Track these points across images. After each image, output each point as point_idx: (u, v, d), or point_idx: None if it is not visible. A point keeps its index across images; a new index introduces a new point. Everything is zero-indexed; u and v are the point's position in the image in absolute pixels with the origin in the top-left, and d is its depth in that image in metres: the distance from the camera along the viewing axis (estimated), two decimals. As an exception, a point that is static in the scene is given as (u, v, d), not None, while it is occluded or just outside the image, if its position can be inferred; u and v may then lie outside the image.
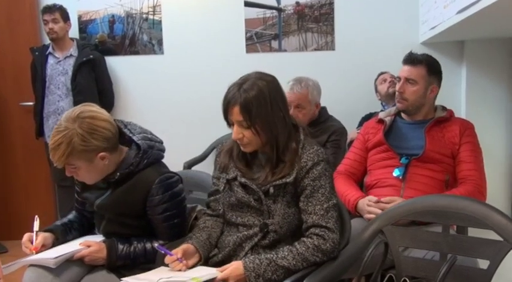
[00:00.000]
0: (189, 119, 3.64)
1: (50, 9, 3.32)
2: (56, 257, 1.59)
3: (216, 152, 1.76)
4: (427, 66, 2.15)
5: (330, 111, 2.88)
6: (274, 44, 3.56)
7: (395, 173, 2.09)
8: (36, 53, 3.41)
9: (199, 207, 1.90)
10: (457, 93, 3.35)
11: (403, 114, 2.27)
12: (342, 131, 2.76)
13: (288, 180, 1.53)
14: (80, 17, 3.67)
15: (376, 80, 3.18)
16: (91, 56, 3.39)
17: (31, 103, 3.56)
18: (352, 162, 2.30)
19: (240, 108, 1.48)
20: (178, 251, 1.54)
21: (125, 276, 1.57)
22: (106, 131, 1.62)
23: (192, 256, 1.58)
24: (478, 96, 3.27)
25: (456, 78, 3.35)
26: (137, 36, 3.66)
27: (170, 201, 1.71)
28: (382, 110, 2.74)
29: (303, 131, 1.61)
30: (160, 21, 3.64)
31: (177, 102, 3.65)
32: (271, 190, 1.54)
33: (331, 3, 3.48)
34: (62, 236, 1.79)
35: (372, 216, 1.97)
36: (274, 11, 3.53)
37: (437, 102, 2.26)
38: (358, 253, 1.59)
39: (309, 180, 1.53)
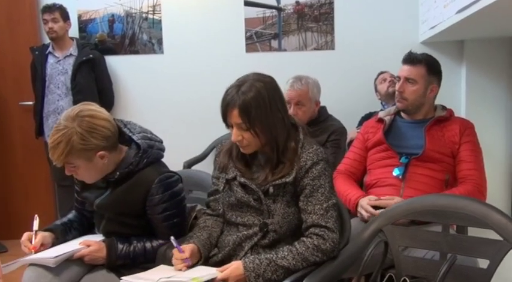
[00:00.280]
0: (189, 119, 3.64)
1: (49, 8, 3.32)
2: (56, 257, 1.59)
3: (216, 152, 1.76)
4: (426, 66, 2.15)
5: (330, 111, 2.88)
6: (274, 43, 3.56)
7: (395, 172, 2.09)
8: (36, 53, 3.41)
9: (199, 206, 1.90)
10: (456, 93, 3.35)
11: (402, 114, 2.27)
12: (342, 131, 2.76)
13: (287, 179, 1.52)
14: (79, 17, 3.67)
15: (375, 79, 3.18)
16: (91, 56, 3.39)
17: (31, 102, 3.56)
18: (352, 162, 2.30)
19: (239, 111, 1.48)
20: (186, 250, 1.53)
21: (124, 275, 1.57)
22: (105, 130, 1.62)
23: (194, 256, 1.57)
24: (477, 96, 3.27)
25: (456, 77, 3.35)
26: (137, 36, 3.66)
27: (170, 201, 1.71)
28: (382, 110, 2.74)
29: (302, 131, 1.61)
30: (160, 21, 3.64)
31: (177, 102, 3.65)
32: (271, 190, 1.54)
33: (331, 3, 3.48)
34: (61, 235, 1.79)
35: (368, 215, 1.97)
36: (274, 10, 3.53)
37: (437, 101, 2.26)
38: (358, 253, 1.59)
39: (309, 179, 1.53)
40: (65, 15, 3.37)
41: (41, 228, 1.77)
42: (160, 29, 3.64)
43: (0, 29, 3.66)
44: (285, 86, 2.64)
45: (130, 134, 1.75)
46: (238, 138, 1.53)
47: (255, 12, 3.54)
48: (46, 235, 1.73)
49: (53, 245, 1.74)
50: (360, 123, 3.00)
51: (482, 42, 3.23)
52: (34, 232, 1.71)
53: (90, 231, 1.91)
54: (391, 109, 2.34)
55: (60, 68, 3.37)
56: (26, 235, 1.71)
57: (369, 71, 3.27)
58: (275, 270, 1.45)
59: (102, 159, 1.63)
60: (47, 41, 3.48)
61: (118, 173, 1.68)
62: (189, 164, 3.36)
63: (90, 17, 3.67)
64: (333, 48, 3.51)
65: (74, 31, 3.59)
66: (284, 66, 3.36)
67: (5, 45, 3.68)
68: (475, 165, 2.06)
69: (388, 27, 3.44)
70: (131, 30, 3.66)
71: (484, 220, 1.44)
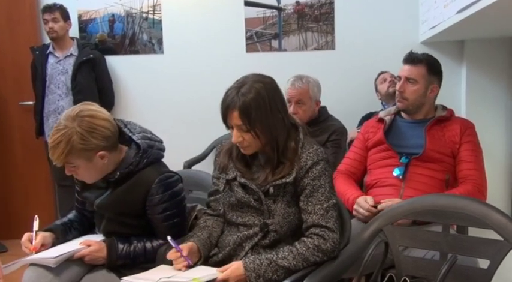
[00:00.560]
0: (189, 119, 3.64)
1: (50, 8, 3.32)
2: (56, 257, 1.59)
3: (216, 152, 1.76)
4: (427, 66, 2.15)
5: (330, 111, 2.88)
6: (274, 43, 3.56)
7: (395, 172, 2.09)
8: (37, 53, 3.42)
9: (199, 206, 1.90)
10: (457, 93, 3.35)
11: (403, 114, 2.27)
12: (342, 131, 2.76)
13: (287, 180, 1.52)
14: (80, 16, 3.67)
15: (376, 79, 3.18)
16: (91, 56, 3.40)
17: (31, 102, 3.56)
18: (352, 162, 2.30)
19: (239, 113, 1.48)
20: (184, 249, 1.53)
21: (124, 275, 1.57)
22: (105, 130, 1.61)
23: (194, 255, 1.57)
24: (478, 96, 3.27)
25: (456, 77, 3.35)
26: (137, 36, 3.66)
27: (170, 201, 1.71)
28: (382, 110, 2.73)
29: (303, 131, 1.61)
30: (160, 21, 3.64)
31: (177, 102, 3.65)
32: (271, 190, 1.54)
33: (331, 3, 3.48)
34: (61, 235, 1.79)
35: (360, 216, 1.98)
36: (274, 10, 3.53)
37: (438, 101, 2.26)
38: (358, 253, 1.59)
39: (309, 179, 1.53)
40: (65, 15, 3.37)
41: (41, 228, 1.77)
42: (161, 29, 3.64)
43: (0, 29, 3.66)
44: (285, 86, 2.65)
45: (130, 134, 1.75)
46: (239, 140, 1.53)
47: (255, 12, 3.54)
48: (46, 235, 1.73)
49: (53, 245, 1.74)
50: (360, 123, 3.00)
51: (483, 42, 3.23)
52: (34, 233, 1.71)
53: (90, 231, 1.91)
54: (392, 109, 2.34)
55: (60, 68, 3.37)
56: (26, 236, 1.71)
57: (369, 71, 3.27)
58: (275, 270, 1.45)
59: (102, 159, 1.63)
60: (47, 41, 3.48)
61: (118, 173, 1.68)
62: (189, 164, 3.37)
63: (91, 17, 3.67)
64: (333, 48, 3.51)
65: (74, 31, 3.59)
66: (284, 66, 3.36)
67: (5, 45, 3.68)
68: (475, 165, 2.06)
69: (388, 27, 3.44)
70: (131, 30, 3.66)
71: (484, 220, 1.43)
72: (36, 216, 1.76)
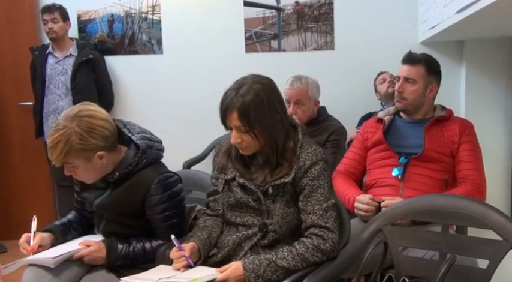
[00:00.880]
0: (188, 119, 3.64)
1: (49, 9, 3.32)
2: (55, 257, 1.59)
3: (215, 152, 1.76)
4: (426, 66, 2.15)
5: (330, 111, 2.88)
6: (274, 43, 3.56)
7: (395, 172, 2.09)
8: (36, 53, 3.41)
9: (198, 206, 1.90)
10: (456, 93, 3.35)
11: (402, 114, 2.27)
12: (342, 131, 2.76)
13: (286, 180, 1.53)
14: (79, 17, 3.67)
15: (375, 79, 3.18)
16: (90, 56, 3.40)
17: (30, 103, 3.56)
18: (351, 162, 2.30)
19: (238, 114, 1.48)
20: (186, 249, 1.53)
21: (124, 275, 1.57)
22: (104, 130, 1.61)
23: (194, 255, 1.57)
24: (477, 96, 3.27)
25: (456, 77, 3.35)
26: (136, 36, 3.66)
27: (169, 201, 1.71)
28: (381, 110, 2.74)
29: (301, 131, 1.61)
30: (159, 21, 3.64)
31: (177, 102, 3.65)
32: (270, 190, 1.54)
33: (331, 3, 3.48)
34: (61, 236, 1.79)
35: (362, 213, 1.97)
36: (273, 10, 3.53)
37: (437, 101, 2.26)
38: (358, 253, 1.59)
39: (308, 179, 1.53)
40: (64, 16, 3.37)
41: (40, 228, 1.77)
42: (160, 29, 3.64)
43: (0, 29, 3.66)
44: (284, 86, 2.65)
45: (129, 135, 1.75)
46: (238, 141, 1.53)
47: (254, 12, 3.54)
48: (44, 236, 1.73)
49: (53, 245, 1.74)
50: (360, 123, 3.00)
51: (482, 42, 3.23)
52: (32, 233, 1.71)
53: (89, 231, 1.91)
54: (391, 109, 2.34)
55: (60, 68, 3.37)
56: (24, 237, 1.71)
57: (369, 71, 3.27)
58: (275, 270, 1.45)
59: (101, 160, 1.63)
60: (47, 41, 3.48)
61: (117, 173, 1.68)
62: (188, 164, 3.36)
63: (90, 17, 3.67)
64: (333, 49, 3.51)
65: (73, 31, 3.59)
66: (284, 67, 3.37)
67: (5, 45, 3.68)
68: (474, 165, 2.06)
69: (388, 28, 3.44)
70: (131, 30, 3.66)
71: (483, 220, 1.44)
72: (34, 216, 1.76)
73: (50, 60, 3.40)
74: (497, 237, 1.41)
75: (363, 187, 2.25)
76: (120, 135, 1.73)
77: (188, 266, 1.53)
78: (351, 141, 2.63)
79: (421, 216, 1.59)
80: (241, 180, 1.58)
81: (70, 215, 1.93)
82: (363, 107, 3.22)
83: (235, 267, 1.46)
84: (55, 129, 1.57)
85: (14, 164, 3.78)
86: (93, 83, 3.42)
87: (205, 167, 3.17)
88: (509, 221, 1.39)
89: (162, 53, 3.65)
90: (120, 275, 1.63)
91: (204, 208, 1.78)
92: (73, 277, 1.67)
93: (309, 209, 1.52)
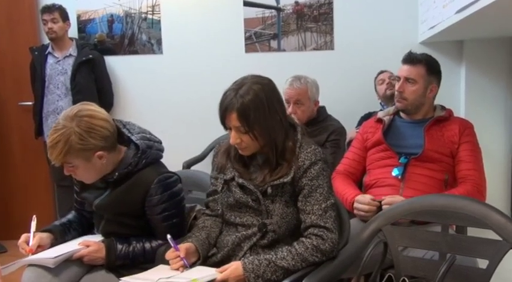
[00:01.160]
0: (188, 119, 3.64)
1: (49, 9, 3.32)
2: (55, 257, 1.59)
3: (214, 152, 1.76)
4: (426, 66, 2.15)
5: (329, 111, 2.88)
6: (273, 43, 3.56)
7: (394, 172, 2.09)
8: (36, 53, 3.42)
9: (198, 206, 1.90)
10: (456, 93, 3.35)
11: (402, 114, 2.27)
12: (341, 131, 2.76)
13: (285, 180, 1.52)
14: (79, 17, 3.67)
15: (375, 78, 3.17)
16: (90, 56, 3.40)
17: (30, 103, 3.56)
18: (351, 162, 2.30)
19: (238, 115, 1.48)
20: (181, 250, 1.53)
21: (123, 276, 1.57)
22: (104, 130, 1.61)
23: (192, 255, 1.57)
24: (477, 96, 3.27)
25: (455, 77, 3.35)
26: (136, 36, 3.66)
27: (169, 201, 1.71)
28: (381, 110, 2.74)
29: (301, 131, 1.61)
30: (159, 21, 3.64)
31: (176, 102, 3.65)
32: (269, 190, 1.54)
33: (330, 3, 3.48)
34: (60, 236, 1.79)
35: (362, 213, 1.97)
36: (273, 10, 3.53)
37: (437, 101, 2.26)
38: (357, 253, 1.59)
39: (307, 179, 1.53)
40: (64, 16, 3.37)
41: (40, 228, 1.77)
42: (160, 29, 3.64)
43: (0, 29, 3.66)
44: (284, 86, 2.65)
45: (129, 135, 1.75)
46: (237, 141, 1.53)
47: (254, 12, 3.54)
48: (44, 237, 1.73)
49: (52, 245, 1.74)
50: (360, 123, 3.00)
51: (482, 42, 3.23)
52: (32, 234, 1.71)
53: (89, 231, 1.91)
54: (390, 109, 2.34)
55: (59, 68, 3.37)
56: (23, 237, 1.71)
57: (369, 71, 3.27)
58: (274, 270, 1.45)
59: (100, 160, 1.63)
60: (47, 41, 3.48)
61: (117, 173, 1.68)
62: (188, 164, 3.36)
63: (90, 17, 3.67)
64: (332, 49, 3.51)
65: (73, 31, 3.59)
66: (283, 67, 3.37)
67: (5, 45, 3.68)
68: (474, 165, 2.06)
69: (388, 28, 3.44)
70: (130, 30, 3.66)
71: (483, 220, 1.43)
72: (34, 216, 1.76)
73: (50, 60, 3.40)
74: (497, 237, 1.41)
75: (362, 187, 2.25)
76: (119, 135, 1.73)
77: (185, 267, 1.53)
78: (350, 141, 2.63)
79: (421, 216, 1.59)
80: (241, 181, 1.58)
81: (70, 215, 1.93)
82: (362, 107, 3.22)
83: (234, 267, 1.46)
84: (55, 129, 1.57)
85: (13, 164, 3.78)
86: (92, 83, 3.42)
87: (205, 167, 3.17)
88: (509, 221, 1.39)
89: (161, 53, 3.66)
90: (120, 275, 1.63)
91: (204, 208, 1.78)
92: (73, 277, 1.67)
93: (308, 209, 1.52)
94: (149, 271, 1.57)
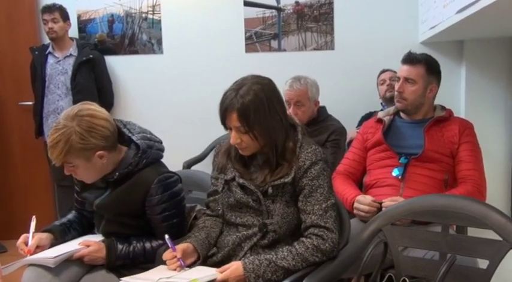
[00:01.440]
0: (188, 119, 3.64)
1: (49, 8, 3.32)
2: (55, 257, 1.59)
3: (215, 152, 1.76)
4: (426, 66, 2.15)
5: (330, 111, 2.88)
6: (274, 43, 3.56)
7: (395, 172, 2.09)
8: (36, 53, 3.42)
9: (198, 206, 1.90)
10: (456, 93, 3.35)
11: (402, 114, 2.27)
12: (342, 131, 2.76)
13: (286, 180, 1.53)
14: (79, 17, 3.67)
15: (378, 76, 3.17)
16: (91, 56, 3.40)
17: (30, 102, 3.56)
18: (351, 162, 2.30)
19: (238, 115, 1.48)
20: (178, 250, 1.53)
21: (124, 275, 1.57)
22: (104, 130, 1.61)
23: (190, 255, 1.58)
24: (477, 96, 3.27)
25: (455, 77, 3.35)
26: (136, 36, 3.66)
27: (169, 201, 1.71)
28: (381, 110, 2.74)
29: (301, 131, 1.61)
30: (159, 21, 3.64)
31: (177, 102, 3.65)
32: (270, 190, 1.54)
33: (331, 3, 3.48)
34: (60, 236, 1.79)
35: (362, 214, 1.97)
36: (273, 10, 3.53)
37: (437, 101, 2.26)
38: (358, 253, 1.59)
39: (307, 179, 1.53)
40: (64, 16, 3.37)
41: (40, 228, 1.77)
42: (160, 29, 3.64)
43: (0, 29, 3.66)
44: (283, 87, 2.65)
45: (129, 134, 1.75)
46: (237, 141, 1.53)
47: (254, 12, 3.54)
48: (43, 237, 1.72)
49: (52, 245, 1.74)
50: (360, 123, 3.00)
51: (482, 42, 3.23)
52: (31, 234, 1.70)
53: (89, 231, 1.91)
54: (390, 109, 2.34)
55: (60, 68, 3.37)
56: (22, 238, 1.70)
57: (369, 71, 3.27)
58: (275, 270, 1.45)
59: (101, 159, 1.63)
60: (47, 41, 3.48)
61: (117, 173, 1.68)
62: (188, 164, 3.36)
63: (90, 17, 3.67)
64: (333, 49, 3.51)
65: (73, 31, 3.59)
66: (284, 67, 3.37)
67: (5, 45, 3.68)
68: (474, 165, 2.06)
69: (388, 28, 3.44)
70: (131, 30, 3.66)
71: (483, 220, 1.44)
72: (33, 216, 1.75)
73: (50, 60, 3.40)
74: (497, 237, 1.41)
75: (362, 187, 2.25)
76: (120, 135, 1.73)
77: (181, 268, 1.53)
78: (351, 141, 2.64)
79: (421, 216, 1.59)
80: (241, 181, 1.58)
81: (70, 215, 1.93)
82: (363, 107, 3.23)
83: (235, 267, 1.46)
84: (55, 128, 1.57)
85: (14, 164, 3.78)
86: (93, 83, 3.42)
87: (205, 167, 3.17)
88: (509, 221, 1.39)
89: (162, 52, 3.66)
90: (120, 275, 1.63)
91: (204, 208, 1.78)
92: (73, 277, 1.67)
93: (308, 209, 1.52)
94: (149, 271, 1.57)
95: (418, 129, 2.15)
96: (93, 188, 1.77)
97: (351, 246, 1.61)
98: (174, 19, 3.62)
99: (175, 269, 1.52)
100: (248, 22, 3.55)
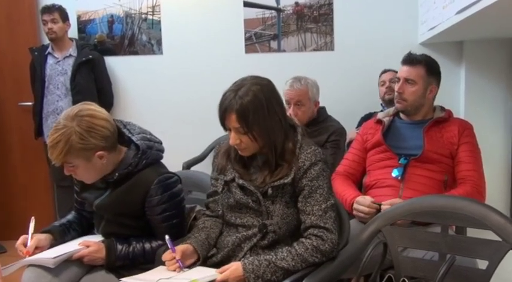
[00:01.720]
0: (188, 119, 3.64)
1: (49, 9, 3.32)
2: (55, 257, 1.59)
3: (214, 153, 1.76)
4: (426, 67, 2.15)
5: (329, 111, 2.88)
6: (273, 44, 3.56)
7: (394, 173, 2.09)
8: (36, 53, 3.41)
9: (198, 207, 1.90)
10: (456, 94, 3.35)
11: (401, 115, 2.27)
12: (341, 132, 2.77)
13: (285, 180, 1.53)
14: (79, 17, 3.67)
15: (380, 76, 3.17)
16: (90, 56, 3.40)
17: (30, 103, 3.56)
18: (350, 163, 2.30)
19: (237, 116, 1.48)
20: (177, 251, 1.54)
21: (124, 276, 1.57)
22: (104, 130, 1.61)
23: (190, 256, 1.58)
24: (476, 97, 3.27)
25: (455, 78, 3.35)
26: (136, 36, 3.66)
27: (169, 202, 1.71)
28: (381, 110, 2.74)
29: (301, 131, 1.61)
30: (159, 21, 3.64)
31: (176, 103, 3.65)
32: (270, 191, 1.54)
33: (331, 4, 3.48)
34: (59, 236, 1.79)
35: (361, 215, 1.97)
36: (273, 11, 3.53)
37: (436, 102, 2.26)
38: (357, 253, 1.59)
39: (307, 180, 1.53)
40: (64, 16, 3.37)
41: (39, 229, 1.77)
42: (160, 30, 3.64)
43: (0, 29, 3.66)
44: (284, 87, 2.65)
45: (129, 135, 1.75)
46: (236, 142, 1.53)
47: (254, 13, 3.54)
48: (42, 238, 1.72)
49: (52, 246, 1.74)
50: (360, 124, 3.00)
51: (482, 43, 3.23)
52: (30, 235, 1.70)
53: (89, 231, 1.91)
54: (390, 110, 2.35)
55: (59, 69, 3.37)
56: (21, 239, 1.70)
57: (369, 72, 3.27)
58: (274, 271, 1.45)
59: (101, 159, 1.63)
60: (47, 41, 3.48)
61: (117, 173, 1.68)
62: (188, 165, 3.36)
63: (90, 18, 3.67)
64: (332, 49, 3.51)
65: (73, 32, 3.59)
66: (283, 67, 3.37)
67: (5, 46, 3.68)
68: (474, 166, 2.06)
69: (388, 28, 3.44)
70: (130, 30, 3.66)
71: (482, 221, 1.44)
72: (32, 217, 1.75)
73: (50, 60, 3.40)
74: (497, 238, 1.41)
75: (362, 188, 2.25)
76: (120, 136, 1.73)
77: (180, 269, 1.53)
78: (350, 142, 2.64)
79: (420, 217, 1.59)
80: (241, 181, 1.58)
81: (70, 216, 1.93)
82: (362, 108, 3.23)
83: (235, 267, 1.46)
84: (55, 128, 1.57)
85: (13, 164, 3.78)
86: (92, 83, 3.42)
87: (205, 168, 3.17)
88: (508, 221, 1.40)
89: (161, 53, 3.66)
90: (120, 275, 1.63)
91: (204, 209, 1.78)
92: (73, 277, 1.67)
93: (308, 210, 1.52)
94: (149, 272, 1.57)
95: (418, 130, 2.15)
96: (93, 188, 1.77)
97: (351, 246, 1.61)
98: (173, 20, 3.62)
99: (174, 270, 1.52)
100: (248, 23, 3.55)
